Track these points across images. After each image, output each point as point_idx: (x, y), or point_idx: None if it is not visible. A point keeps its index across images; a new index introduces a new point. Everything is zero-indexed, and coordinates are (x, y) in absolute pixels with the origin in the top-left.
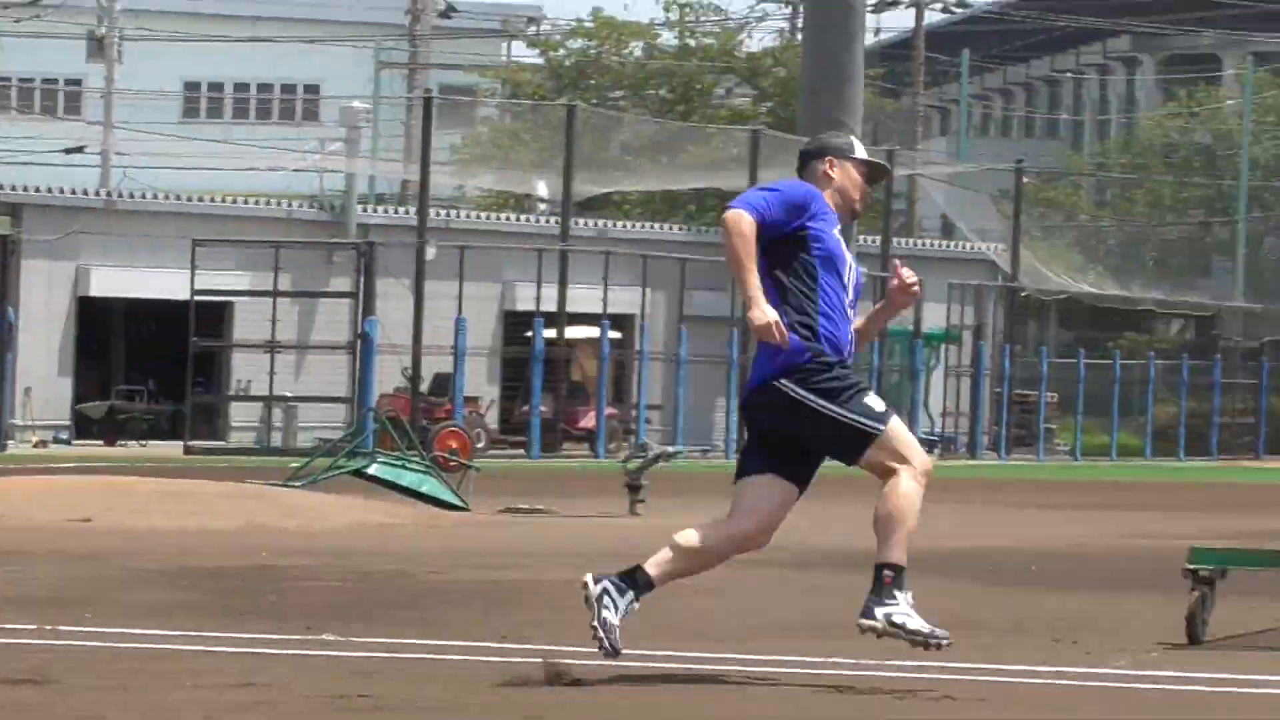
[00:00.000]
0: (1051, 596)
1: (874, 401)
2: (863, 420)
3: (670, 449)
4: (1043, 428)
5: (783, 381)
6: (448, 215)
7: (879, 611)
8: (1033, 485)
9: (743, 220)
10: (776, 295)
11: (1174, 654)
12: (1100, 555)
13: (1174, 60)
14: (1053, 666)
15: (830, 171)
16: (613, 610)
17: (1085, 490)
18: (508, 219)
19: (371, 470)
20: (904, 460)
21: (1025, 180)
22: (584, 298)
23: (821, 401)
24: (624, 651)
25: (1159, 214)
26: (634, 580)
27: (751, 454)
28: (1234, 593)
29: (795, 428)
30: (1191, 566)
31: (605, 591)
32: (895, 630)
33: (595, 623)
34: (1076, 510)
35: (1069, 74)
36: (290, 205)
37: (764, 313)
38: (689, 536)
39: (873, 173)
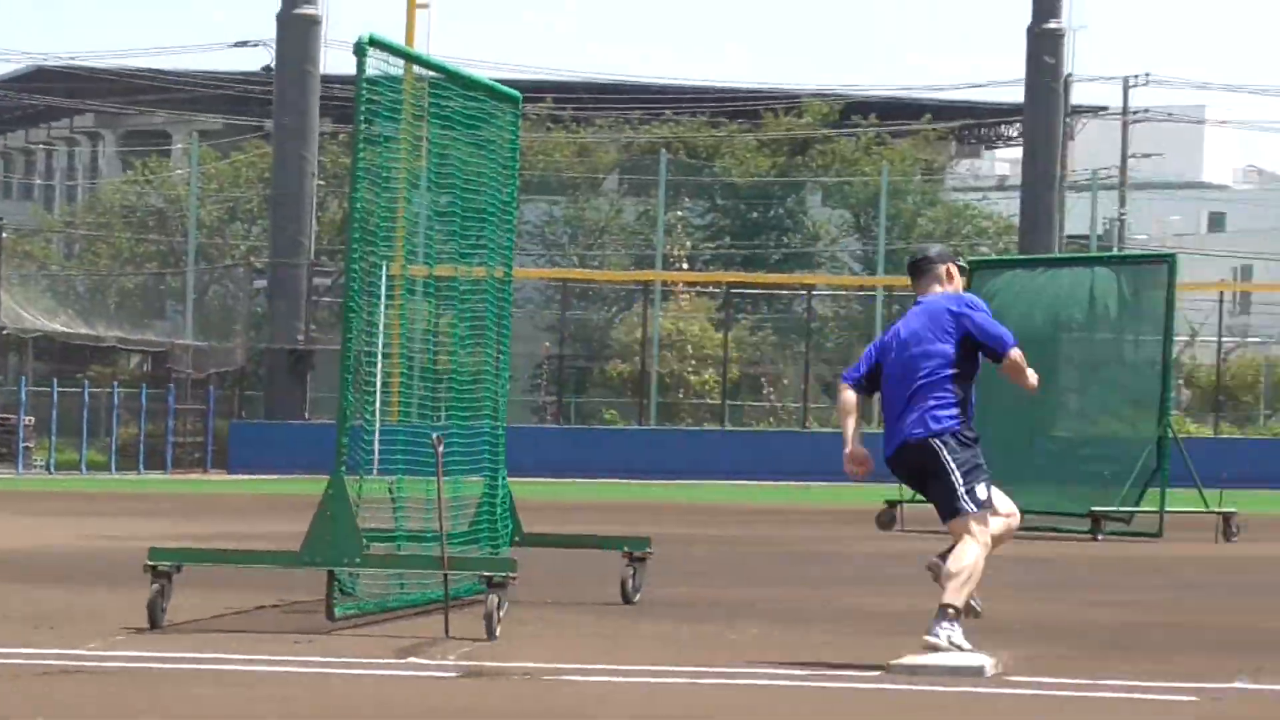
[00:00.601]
0: (33, 589)
1: None
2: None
3: None
4: (22, 446)
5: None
6: None
7: (943, 633)
8: (12, 495)
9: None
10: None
11: (138, 637)
12: (74, 555)
13: (131, 135)
14: (35, 649)
15: None
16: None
17: (59, 499)
18: None
19: None
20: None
21: (4, 235)
22: None
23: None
24: None
25: (120, 265)
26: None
27: None
28: (189, 585)
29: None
30: (151, 563)
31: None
32: (953, 646)
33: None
34: (52, 516)
35: (41, 145)
36: None
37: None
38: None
39: None
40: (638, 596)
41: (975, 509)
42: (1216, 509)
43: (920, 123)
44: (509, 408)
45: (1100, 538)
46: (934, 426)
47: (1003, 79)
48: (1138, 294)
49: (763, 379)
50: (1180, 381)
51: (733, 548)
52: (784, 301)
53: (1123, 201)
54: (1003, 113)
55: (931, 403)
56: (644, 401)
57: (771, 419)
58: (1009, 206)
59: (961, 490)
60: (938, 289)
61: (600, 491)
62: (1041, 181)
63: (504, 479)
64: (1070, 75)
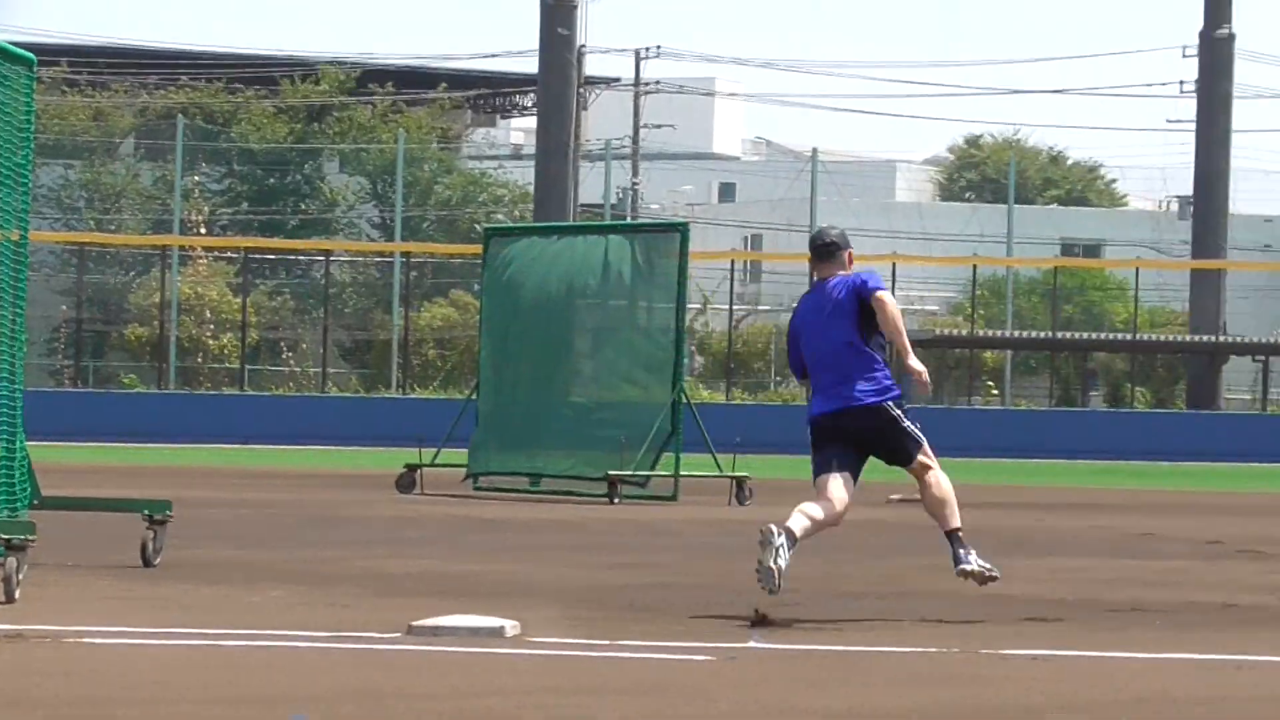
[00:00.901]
0: None
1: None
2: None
3: None
4: None
5: (887, 403)
6: None
7: (971, 558)
8: None
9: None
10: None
11: None
12: None
13: None
14: None
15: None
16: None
17: None
18: None
19: None
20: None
21: None
22: None
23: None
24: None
25: None
26: (792, 536)
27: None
28: None
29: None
30: None
31: (783, 544)
32: (983, 569)
33: (772, 564)
34: None
35: None
36: None
37: (921, 363)
38: (813, 510)
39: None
40: (158, 559)
41: (922, 442)
42: (729, 473)
43: (436, 91)
44: (26, 371)
45: (617, 501)
46: (883, 394)
47: (518, 49)
48: (651, 262)
49: (282, 344)
50: (693, 348)
51: (254, 511)
52: (302, 267)
53: (636, 171)
54: (517, 82)
55: (875, 372)
56: (163, 366)
57: (291, 383)
58: (524, 175)
59: (911, 436)
60: (843, 273)
61: (120, 455)
62: (555, 151)
63: (22, 442)
64: (584, 46)
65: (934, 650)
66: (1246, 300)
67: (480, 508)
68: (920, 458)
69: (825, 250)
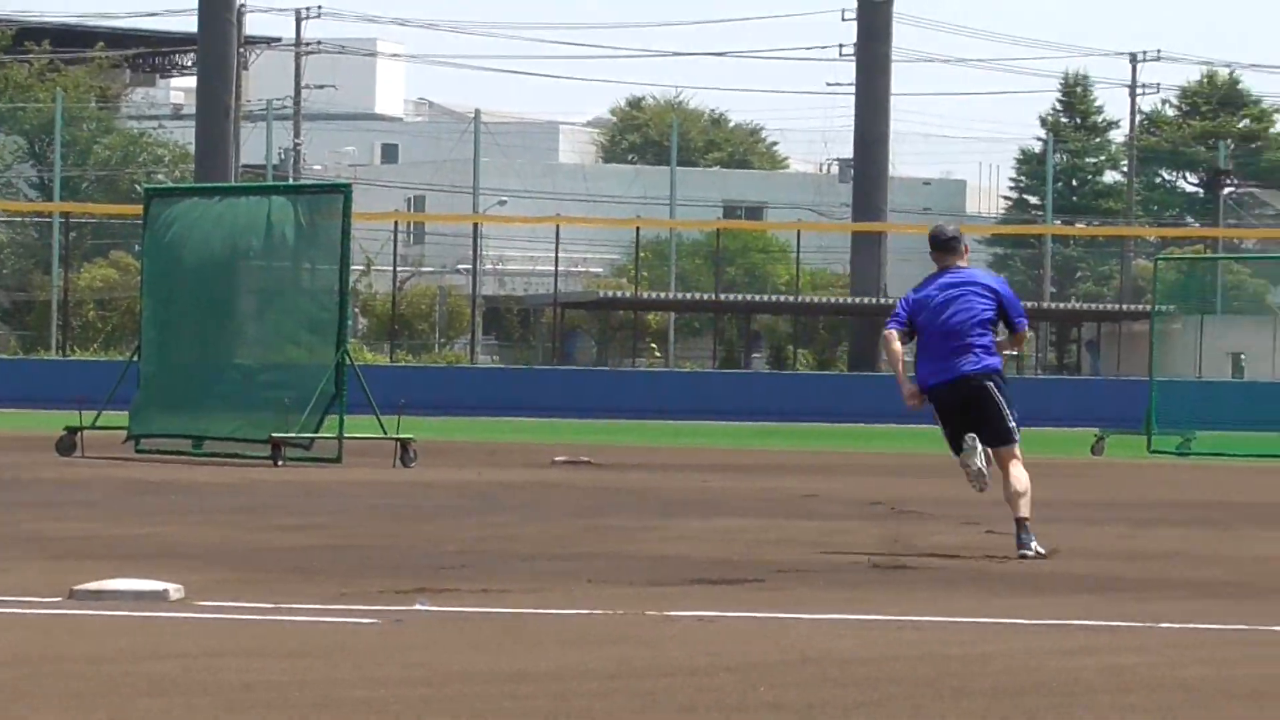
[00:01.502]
0: None
1: None
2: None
3: None
4: None
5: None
6: None
7: (1032, 544)
8: None
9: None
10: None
11: None
12: None
13: None
14: None
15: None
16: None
17: None
18: None
19: None
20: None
21: None
22: None
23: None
24: None
25: None
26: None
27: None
28: None
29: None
30: None
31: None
32: (1039, 553)
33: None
34: None
35: None
36: None
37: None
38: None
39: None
40: None
41: (1018, 437)
42: (394, 435)
43: (94, 50)
44: None
45: (281, 463)
46: (990, 364)
47: (176, 8)
48: (314, 224)
49: None
50: (357, 310)
51: None
52: None
53: (298, 132)
54: (177, 42)
55: (982, 347)
56: None
57: None
58: (185, 135)
59: (1011, 422)
60: (961, 263)
61: None
62: (216, 111)
63: None
64: (244, 6)
65: (602, 612)
66: (907, 263)
67: (143, 470)
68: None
69: (946, 244)
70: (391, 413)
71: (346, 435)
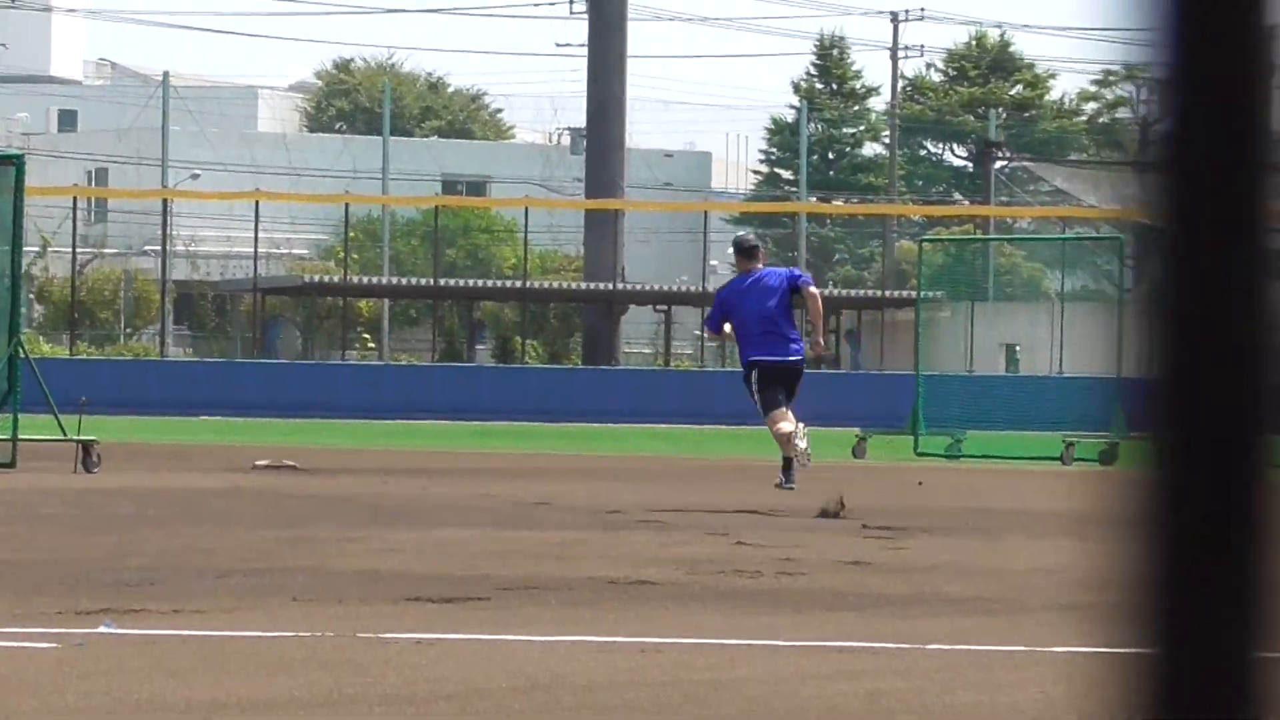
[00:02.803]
0: None
1: None
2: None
3: None
4: None
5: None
6: None
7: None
8: None
9: None
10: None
11: None
12: None
13: None
14: None
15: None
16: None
17: None
18: None
19: None
20: None
21: None
22: None
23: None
24: None
25: None
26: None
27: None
28: None
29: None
30: None
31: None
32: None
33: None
34: None
35: None
36: None
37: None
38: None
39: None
40: None
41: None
42: (74, 437)
43: None
44: None
45: None
46: (800, 351)
47: None
48: None
49: None
50: (32, 296)
51: None
52: None
53: None
54: None
55: (794, 339)
56: None
57: None
58: None
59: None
60: (760, 266)
61: None
62: None
63: None
64: None
65: (308, 635)
66: (646, 245)
67: None
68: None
69: (751, 251)
70: (72, 411)
71: (21, 437)
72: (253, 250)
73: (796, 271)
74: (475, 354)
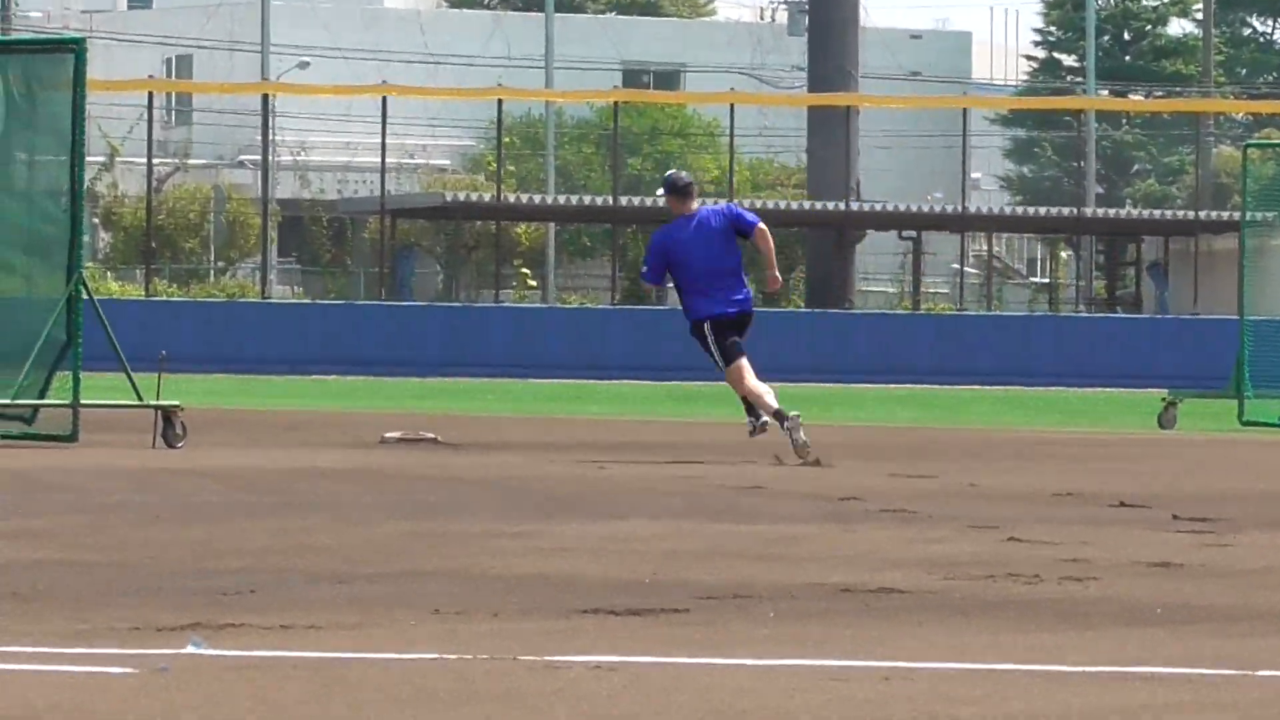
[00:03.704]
0: None
1: None
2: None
3: None
4: None
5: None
6: None
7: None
8: None
9: None
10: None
11: None
12: None
13: None
14: None
15: None
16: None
17: None
18: None
19: None
20: None
21: None
22: None
23: None
24: None
25: None
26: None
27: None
28: None
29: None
30: None
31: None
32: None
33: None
34: None
35: None
36: None
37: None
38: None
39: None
40: None
41: None
42: (152, 402)
43: None
44: None
45: None
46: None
47: None
48: (32, 96)
49: None
50: (97, 220)
51: None
52: None
53: None
54: None
55: (743, 283)
56: None
57: None
58: None
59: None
60: (695, 206)
61: None
62: None
63: None
64: None
65: (453, 658)
66: (887, 152)
67: None
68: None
69: (686, 190)
70: (149, 369)
71: (84, 402)
72: (379, 161)
73: (736, 209)
74: (666, 294)
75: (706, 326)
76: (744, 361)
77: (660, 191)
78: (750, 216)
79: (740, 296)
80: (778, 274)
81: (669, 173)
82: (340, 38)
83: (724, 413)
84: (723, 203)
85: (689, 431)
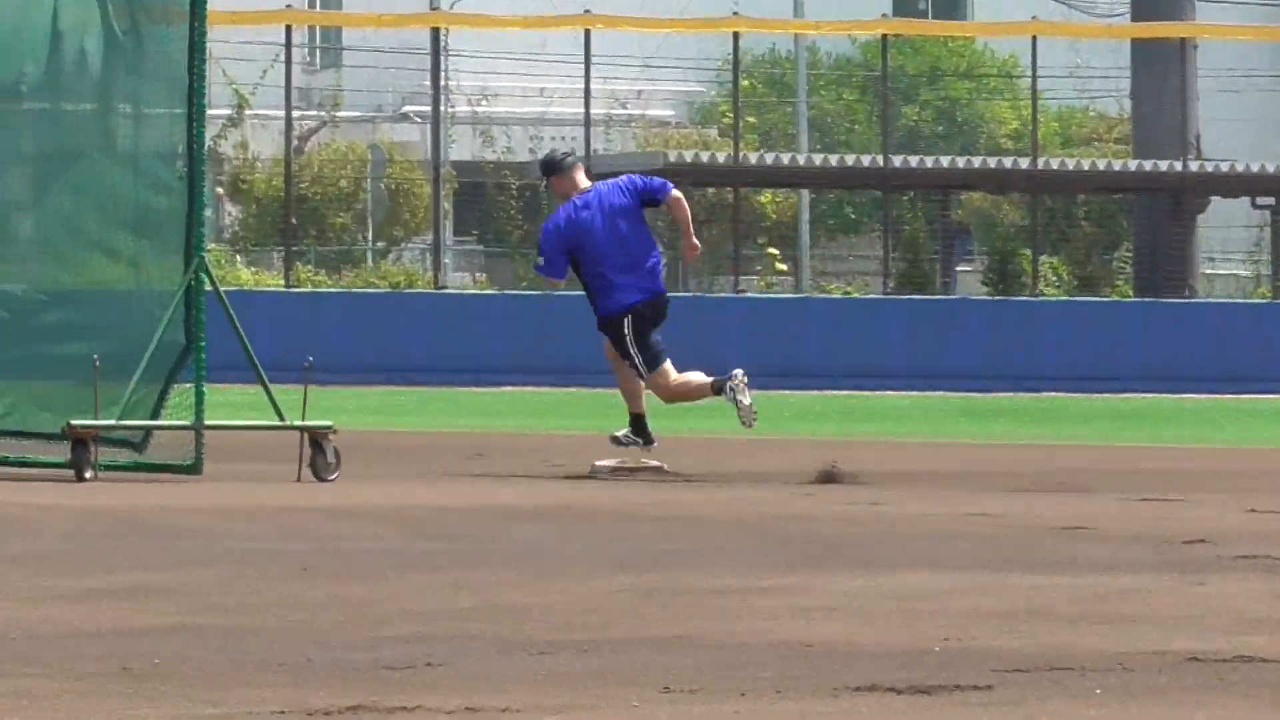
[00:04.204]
0: None
1: None
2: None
3: None
4: None
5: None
6: None
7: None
8: None
9: None
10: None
11: None
12: None
13: None
14: None
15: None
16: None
17: None
18: None
19: None
20: None
21: None
22: None
23: None
24: None
25: None
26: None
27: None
28: None
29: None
30: None
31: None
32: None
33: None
34: None
35: None
36: None
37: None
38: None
39: None
40: None
41: None
42: (297, 422)
43: None
44: None
45: (90, 475)
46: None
47: None
48: (139, 31)
49: None
50: (222, 190)
51: None
52: None
53: None
54: None
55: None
56: None
57: None
58: None
59: None
60: (586, 182)
61: None
62: None
63: None
64: None
65: None
66: (1236, 98)
67: None
68: None
69: (570, 165)
70: (292, 380)
71: (208, 424)
72: (582, 112)
73: (639, 178)
74: (954, 280)
75: (626, 322)
76: (668, 365)
77: (540, 178)
78: (657, 181)
79: (657, 279)
80: (695, 240)
81: (545, 154)
82: None
83: (1030, 433)
84: (624, 176)
85: (984, 456)
